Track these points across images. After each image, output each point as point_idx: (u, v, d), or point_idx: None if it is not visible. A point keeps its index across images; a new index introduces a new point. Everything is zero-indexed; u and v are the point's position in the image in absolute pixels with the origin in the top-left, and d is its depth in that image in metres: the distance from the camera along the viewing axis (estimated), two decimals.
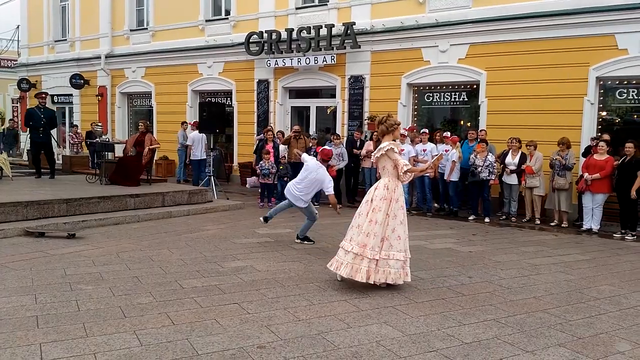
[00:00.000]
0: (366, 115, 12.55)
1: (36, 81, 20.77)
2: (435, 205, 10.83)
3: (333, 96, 13.54)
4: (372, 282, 5.04)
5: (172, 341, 3.74)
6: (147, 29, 17.08)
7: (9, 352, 3.48)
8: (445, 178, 10.21)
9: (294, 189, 7.15)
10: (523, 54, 10.57)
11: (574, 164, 9.42)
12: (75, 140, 17.42)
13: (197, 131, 12.81)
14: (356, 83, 12.80)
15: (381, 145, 5.20)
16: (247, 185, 13.34)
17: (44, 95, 12.34)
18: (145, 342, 3.70)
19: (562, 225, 9.40)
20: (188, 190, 10.53)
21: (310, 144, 11.45)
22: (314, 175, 7.05)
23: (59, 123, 14.43)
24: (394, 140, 5.27)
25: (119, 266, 5.80)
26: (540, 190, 9.69)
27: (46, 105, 12.23)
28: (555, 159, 9.37)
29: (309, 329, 4.06)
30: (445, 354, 3.67)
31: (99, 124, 16.27)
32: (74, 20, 19.17)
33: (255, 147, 12.46)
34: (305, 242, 7.30)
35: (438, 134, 10.83)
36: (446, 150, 10.28)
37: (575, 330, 4.21)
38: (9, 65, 27.49)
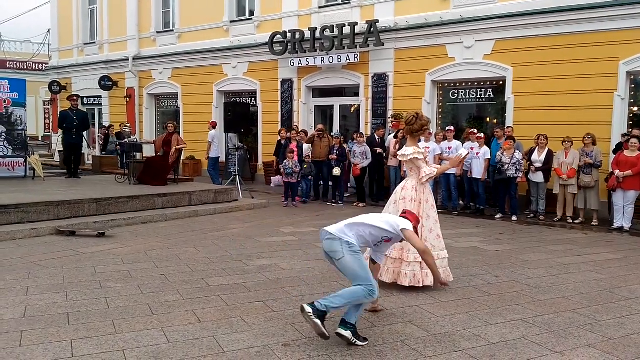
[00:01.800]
0: (390, 113, 12.48)
1: (66, 84, 21.28)
2: (461, 203, 10.71)
3: (356, 94, 13.50)
4: (422, 285, 5.00)
5: (198, 338, 3.80)
6: (173, 30, 17.32)
7: (42, 347, 3.59)
8: (479, 177, 10.04)
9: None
10: (550, 49, 10.36)
11: (601, 161, 9.17)
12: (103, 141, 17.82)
13: (214, 130, 13.07)
14: (380, 81, 12.75)
15: (405, 151, 5.15)
16: (271, 184, 13.43)
17: (75, 98, 12.68)
18: (173, 339, 3.77)
19: (592, 223, 9.18)
20: (214, 190, 10.66)
21: (334, 143, 11.46)
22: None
23: (90, 124, 14.85)
24: (420, 140, 5.24)
25: (147, 264, 5.91)
26: (574, 188, 9.40)
27: (78, 108, 12.55)
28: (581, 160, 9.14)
29: (333, 327, 4.06)
30: (471, 354, 3.63)
31: (128, 124, 16.63)
32: (102, 23, 19.58)
33: (275, 149, 12.54)
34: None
35: (468, 133, 10.59)
36: (472, 148, 10.16)
37: (606, 331, 4.12)
38: (41, 68, 28.29)
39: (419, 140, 5.61)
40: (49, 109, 24.82)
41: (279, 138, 12.42)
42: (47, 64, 23.52)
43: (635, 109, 9.99)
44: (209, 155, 13.32)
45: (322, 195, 11.95)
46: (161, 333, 3.88)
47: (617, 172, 8.68)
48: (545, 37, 10.45)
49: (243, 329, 4.00)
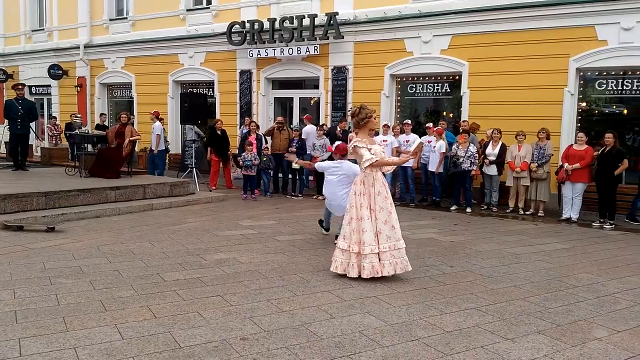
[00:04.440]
0: (349, 106, 12.54)
1: (13, 72, 20.30)
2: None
3: (316, 87, 13.49)
4: (381, 276, 5.08)
5: (154, 334, 3.71)
6: (126, 18, 16.78)
7: None
8: (434, 170, 10.22)
9: (342, 201, 6.26)
10: (504, 45, 10.64)
11: (551, 154, 9.52)
12: (54, 132, 17.14)
13: (158, 121, 12.67)
14: (339, 74, 12.77)
15: (352, 142, 5.27)
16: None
17: (21, 87, 12.09)
18: (127, 336, 3.67)
19: (539, 214, 9.51)
20: (170, 183, 10.43)
21: (293, 135, 11.42)
22: (351, 171, 6.39)
23: (38, 115, 14.17)
24: (371, 131, 5.32)
25: (99, 259, 5.73)
26: (527, 181, 9.70)
27: (25, 97, 12.00)
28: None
29: (292, 320, 4.07)
30: (427, 343, 3.70)
31: (78, 115, 16.02)
32: (52, 10, 18.74)
33: (239, 141, 12.36)
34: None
35: (430, 127, 10.68)
36: (429, 141, 10.34)
37: (554, 318, 4.28)
38: None
39: (377, 134, 5.67)
40: None
41: (243, 128, 12.23)
42: None
43: (584, 104, 10.41)
44: (152, 148, 12.74)
45: (281, 188, 11.90)
46: (115, 329, 3.77)
47: (566, 165, 9.02)
48: (499, 34, 10.72)
49: (200, 323, 3.94)
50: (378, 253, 5.07)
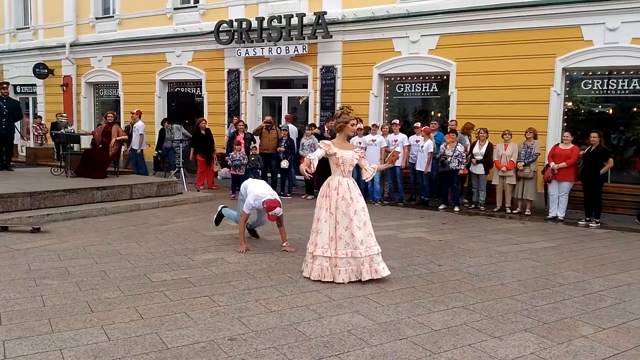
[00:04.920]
0: (338, 105, 12.54)
1: None
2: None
3: (305, 86, 13.47)
4: (331, 281, 4.99)
5: (140, 335, 3.68)
6: (113, 17, 16.64)
7: None
8: (422, 170, 10.24)
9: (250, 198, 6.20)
10: (492, 45, 10.71)
11: (539, 154, 9.60)
12: (40, 131, 16.95)
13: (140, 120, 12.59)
14: (328, 73, 12.77)
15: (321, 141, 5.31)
16: (218, 177, 13.21)
17: (5, 85, 11.92)
18: (113, 337, 3.63)
19: (526, 213, 9.59)
20: (157, 182, 10.36)
21: (282, 135, 11.39)
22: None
23: (23, 114, 13.98)
24: (350, 135, 5.32)
25: (85, 260, 5.67)
26: (513, 180, 9.77)
27: (9, 96, 11.84)
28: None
29: (280, 320, 4.05)
30: (415, 341, 3.71)
31: (64, 114, 15.77)
32: (37, 8, 18.52)
33: (227, 140, 12.31)
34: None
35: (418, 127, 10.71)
36: (417, 141, 10.38)
37: (541, 316, 4.32)
38: None
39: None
40: None
41: (231, 127, 12.19)
42: None
43: (570, 104, 10.51)
44: (134, 147, 12.68)
45: None
46: (101, 331, 3.73)
47: (552, 164, 9.10)
48: (486, 34, 10.79)
49: (188, 324, 3.91)
50: (330, 257, 5.01)
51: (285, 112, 13.94)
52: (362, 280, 5.01)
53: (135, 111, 13.40)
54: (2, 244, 6.27)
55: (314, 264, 5.11)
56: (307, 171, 5.05)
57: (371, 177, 5.41)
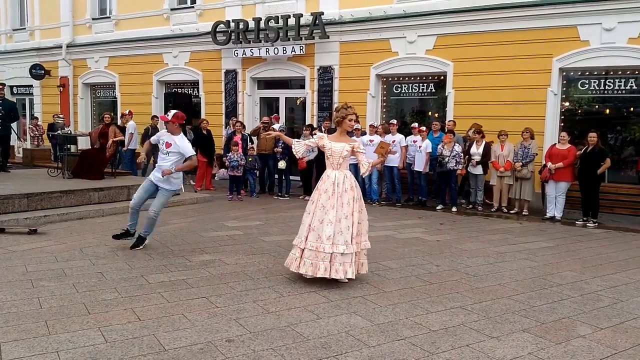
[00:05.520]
0: (335, 106, 12.53)
1: None
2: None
3: (302, 87, 13.47)
4: (296, 271, 5.00)
5: (138, 337, 3.67)
6: (110, 17, 16.60)
7: None
8: (420, 170, 10.25)
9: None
10: (489, 45, 10.72)
11: (536, 154, 9.61)
12: (36, 132, 16.89)
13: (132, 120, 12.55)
14: (325, 74, 12.77)
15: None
16: (215, 178, 13.19)
17: (1, 87, 11.89)
18: (111, 339, 3.62)
19: (523, 213, 9.60)
20: None
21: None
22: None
23: (19, 115, 13.93)
24: (349, 131, 5.30)
25: (82, 262, 5.65)
26: (510, 180, 9.77)
27: (5, 97, 11.81)
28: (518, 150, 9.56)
29: (278, 321, 4.05)
30: (413, 342, 3.71)
31: (61, 115, 15.75)
32: (33, 8, 18.47)
33: (225, 141, 12.28)
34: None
35: (415, 127, 10.70)
36: (414, 141, 10.39)
37: (539, 316, 4.32)
38: None
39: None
40: None
41: (228, 128, 12.15)
42: None
43: (567, 104, 10.53)
44: (130, 148, 12.55)
45: (267, 189, 11.86)
46: (98, 333, 3.72)
47: (549, 164, 9.12)
48: (483, 34, 10.80)
49: (185, 326, 3.90)
50: (302, 248, 5.00)
51: (283, 112, 13.92)
52: (316, 277, 4.88)
53: (127, 112, 13.35)
54: None
55: (290, 252, 5.18)
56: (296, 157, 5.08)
57: (367, 172, 5.37)
